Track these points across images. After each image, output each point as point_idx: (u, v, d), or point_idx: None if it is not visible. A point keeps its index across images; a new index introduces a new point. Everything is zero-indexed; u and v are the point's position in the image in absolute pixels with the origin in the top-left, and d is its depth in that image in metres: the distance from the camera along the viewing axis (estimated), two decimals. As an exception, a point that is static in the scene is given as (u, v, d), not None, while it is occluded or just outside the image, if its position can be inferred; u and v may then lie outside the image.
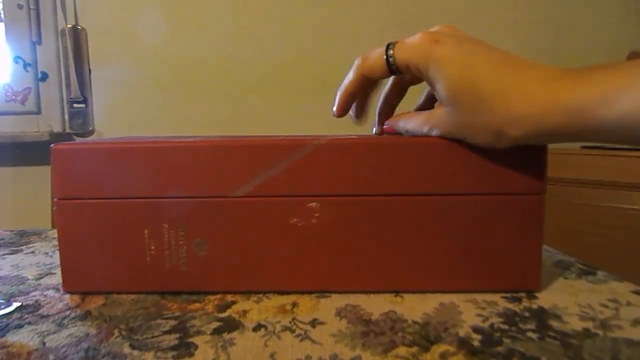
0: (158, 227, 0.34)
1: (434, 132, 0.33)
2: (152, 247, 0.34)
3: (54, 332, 0.30)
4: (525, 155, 0.33)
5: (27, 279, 0.40)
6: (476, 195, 0.34)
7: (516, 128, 0.29)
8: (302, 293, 0.35)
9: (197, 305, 0.33)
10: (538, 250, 0.35)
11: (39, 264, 0.44)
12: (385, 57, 0.32)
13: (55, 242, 0.51)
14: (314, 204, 0.34)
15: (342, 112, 0.37)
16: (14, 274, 0.41)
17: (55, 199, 0.35)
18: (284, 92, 1.35)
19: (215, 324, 0.30)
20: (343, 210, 0.34)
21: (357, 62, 0.35)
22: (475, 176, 0.33)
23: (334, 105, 0.37)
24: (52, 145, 0.34)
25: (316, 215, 0.34)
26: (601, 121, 0.26)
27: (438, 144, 0.33)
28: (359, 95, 0.37)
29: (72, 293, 0.36)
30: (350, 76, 0.35)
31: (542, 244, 0.35)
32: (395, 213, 0.34)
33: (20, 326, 0.30)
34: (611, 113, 0.25)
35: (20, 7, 1.27)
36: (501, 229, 0.34)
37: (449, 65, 0.30)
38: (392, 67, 0.33)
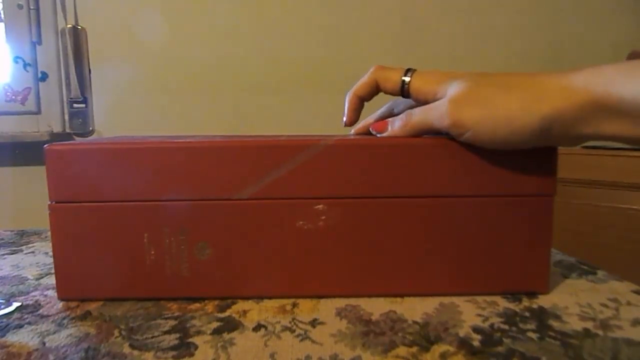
0: (158, 231, 0.33)
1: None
2: (152, 252, 0.33)
3: (54, 332, 0.29)
4: (535, 156, 0.33)
5: (27, 279, 0.40)
6: (486, 197, 0.33)
7: (545, 103, 0.29)
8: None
9: (197, 305, 0.33)
10: (547, 253, 0.34)
11: (39, 264, 0.44)
12: (402, 79, 0.35)
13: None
14: (320, 206, 0.33)
15: (353, 116, 0.39)
16: (14, 274, 0.41)
17: (50, 202, 0.33)
18: (284, 92, 1.35)
19: (215, 324, 0.30)
20: (351, 213, 0.33)
21: (373, 68, 0.37)
22: (485, 178, 0.33)
23: (344, 115, 0.38)
24: (45, 145, 0.33)
25: (323, 217, 0.33)
26: (624, 93, 0.26)
27: (447, 145, 0.33)
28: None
29: (66, 300, 0.35)
30: (363, 79, 0.37)
31: (551, 246, 0.35)
32: (403, 215, 0.33)
33: (20, 326, 0.30)
34: (631, 86, 0.26)
35: (20, 7, 1.26)
36: (510, 231, 0.34)
37: (462, 90, 0.31)
38: (404, 89, 0.35)
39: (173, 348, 0.27)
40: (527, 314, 0.32)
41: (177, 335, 0.29)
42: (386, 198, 0.33)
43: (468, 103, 0.30)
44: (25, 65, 1.29)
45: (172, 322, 0.31)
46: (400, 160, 0.33)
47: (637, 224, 1.04)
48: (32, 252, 0.48)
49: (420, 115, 0.33)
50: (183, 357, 0.26)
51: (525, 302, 0.34)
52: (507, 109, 0.29)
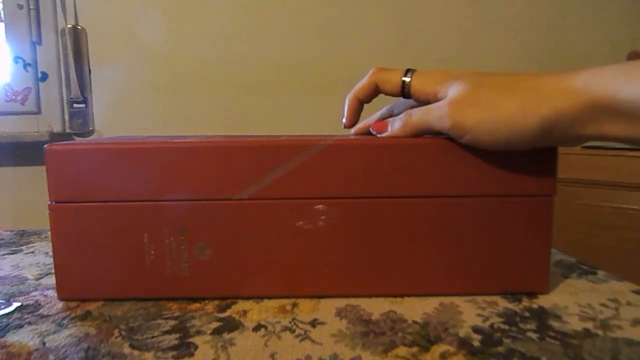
0: (158, 231, 0.33)
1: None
2: (152, 252, 0.33)
3: (54, 332, 0.29)
4: (535, 156, 0.33)
5: (27, 279, 0.40)
6: (485, 197, 0.33)
7: (544, 105, 0.28)
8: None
9: (197, 305, 0.33)
10: (546, 253, 0.34)
11: (39, 264, 0.44)
12: (402, 79, 0.35)
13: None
14: (320, 206, 0.33)
15: (352, 118, 0.39)
16: (14, 274, 0.41)
17: (50, 202, 0.33)
18: (284, 92, 1.35)
19: (215, 324, 0.30)
20: (351, 213, 0.33)
21: (372, 70, 0.37)
22: (485, 178, 0.33)
23: (343, 117, 0.38)
24: (45, 145, 0.33)
25: (323, 217, 0.33)
26: (624, 94, 0.26)
27: (447, 145, 0.33)
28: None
29: (66, 300, 0.35)
30: (363, 81, 0.37)
31: (551, 246, 0.35)
32: (403, 215, 0.33)
33: (20, 326, 0.30)
34: (631, 87, 0.26)
35: (20, 7, 1.26)
36: (510, 231, 0.34)
37: (462, 90, 0.31)
38: (405, 89, 0.35)
39: (173, 348, 0.27)
40: (527, 314, 0.32)
41: (177, 335, 0.29)
42: (386, 198, 0.33)
43: (468, 105, 0.30)
44: (25, 65, 1.29)
45: (172, 322, 0.31)
46: (400, 160, 0.33)
47: (637, 224, 1.04)
48: (32, 252, 0.48)
49: (420, 116, 0.33)
50: (183, 357, 0.26)
51: (525, 302, 0.34)
52: (507, 110, 0.29)
